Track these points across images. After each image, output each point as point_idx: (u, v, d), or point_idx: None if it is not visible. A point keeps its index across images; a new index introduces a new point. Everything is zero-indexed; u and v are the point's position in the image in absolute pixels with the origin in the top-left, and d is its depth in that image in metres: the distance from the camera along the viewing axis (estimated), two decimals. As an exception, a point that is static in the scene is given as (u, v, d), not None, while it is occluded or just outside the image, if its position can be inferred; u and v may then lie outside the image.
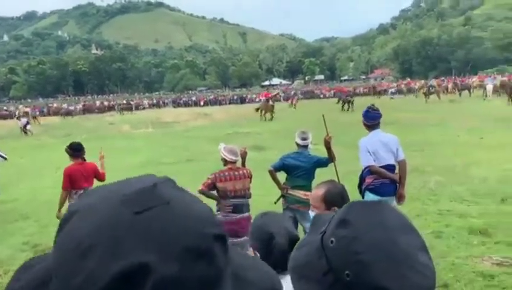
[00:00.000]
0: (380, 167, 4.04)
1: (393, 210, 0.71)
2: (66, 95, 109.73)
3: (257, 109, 25.48)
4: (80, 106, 51.20)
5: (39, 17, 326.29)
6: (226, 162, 4.17)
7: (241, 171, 4.13)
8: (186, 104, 53.07)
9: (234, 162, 4.15)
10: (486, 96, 28.05)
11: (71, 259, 0.39)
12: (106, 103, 54.97)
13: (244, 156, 4.39)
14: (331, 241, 0.67)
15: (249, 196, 4.19)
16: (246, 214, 4.09)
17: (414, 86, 42.41)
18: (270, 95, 27.31)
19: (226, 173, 4.07)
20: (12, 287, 0.48)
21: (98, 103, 57.68)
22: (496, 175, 7.43)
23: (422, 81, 45.29)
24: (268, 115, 24.19)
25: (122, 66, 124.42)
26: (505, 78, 33.02)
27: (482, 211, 5.51)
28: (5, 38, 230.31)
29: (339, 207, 2.12)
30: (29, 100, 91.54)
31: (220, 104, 52.12)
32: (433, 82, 36.45)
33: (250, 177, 4.19)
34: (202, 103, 52.62)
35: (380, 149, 4.07)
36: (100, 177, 5.24)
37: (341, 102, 28.09)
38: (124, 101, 50.74)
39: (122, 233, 0.39)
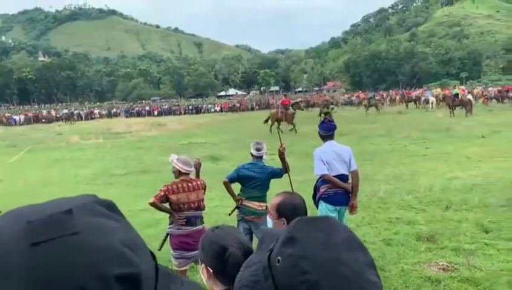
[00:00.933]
0: (334, 176, 4.12)
1: (341, 226, 0.70)
2: (10, 103, 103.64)
3: (266, 120, 21.03)
4: (21, 116, 48.39)
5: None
6: (179, 173, 4.05)
7: (194, 183, 4.02)
8: (139, 114, 51.84)
9: (188, 174, 4.05)
10: (427, 108, 29.83)
11: None
12: (53, 112, 52.56)
13: (198, 167, 4.30)
14: (278, 261, 0.65)
15: (203, 208, 4.10)
16: (200, 227, 3.99)
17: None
18: (289, 102, 23.34)
19: (179, 185, 3.95)
20: None
21: (45, 112, 55.02)
22: (441, 183, 7.81)
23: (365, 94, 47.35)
24: (285, 126, 20.02)
25: (72, 74, 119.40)
26: (446, 92, 35.11)
27: (428, 218, 5.76)
28: None
29: (288, 219, 2.15)
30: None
31: (175, 114, 51.39)
32: (372, 95, 38.42)
33: (204, 188, 4.09)
34: (156, 113, 51.64)
35: (334, 159, 4.15)
36: None
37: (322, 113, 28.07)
38: (66, 111, 48.66)
39: (11, 268, 0.36)
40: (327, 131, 4.33)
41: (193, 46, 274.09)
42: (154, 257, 0.45)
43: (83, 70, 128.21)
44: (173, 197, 3.91)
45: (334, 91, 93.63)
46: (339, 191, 4.13)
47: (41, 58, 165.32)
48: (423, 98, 33.07)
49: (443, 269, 4.14)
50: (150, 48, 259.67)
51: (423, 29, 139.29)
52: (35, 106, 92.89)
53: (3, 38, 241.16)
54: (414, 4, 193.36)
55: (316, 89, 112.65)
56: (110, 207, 0.45)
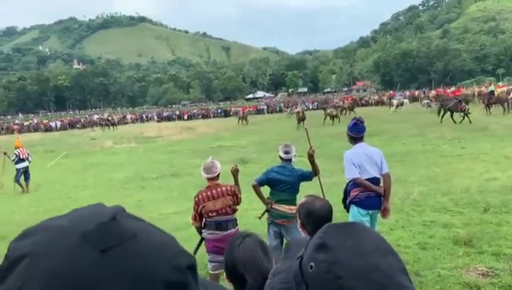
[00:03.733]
0: (366, 180, 4.03)
1: (370, 232, 0.70)
2: (48, 110, 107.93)
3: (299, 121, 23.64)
4: (58, 122, 50.23)
5: (19, 32, 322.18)
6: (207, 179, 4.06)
7: (219, 189, 3.97)
8: (170, 118, 52.76)
9: (212, 179, 4.01)
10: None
11: None
12: (88, 118, 54.27)
13: (235, 173, 4.28)
14: (311, 267, 0.65)
15: (233, 213, 4.06)
16: (232, 231, 3.97)
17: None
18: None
19: (204, 194, 3.96)
20: None
21: (82, 118, 56.88)
22: (478, 185, 7.52)
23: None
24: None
25: (104, 80, 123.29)
26: (482, 89, 33.77)
27: (466, 221, 5.54)
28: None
29: (303, 222, 2.13)
30: (9, 117, 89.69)
31: (204, 117, 51.98)
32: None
33: (232, 194, 4.02)
34: (186, 117, 52.41)
35: (365, 162, 4.06)
36: None
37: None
38: (106, 115, 49.86)
39: (92, 277, 0.36)
40: (358, 133, 4.23)
41: (221, 50, 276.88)
42: (191, 255, 0.47)
43: (115, 77, 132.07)
44: (200, 207, 3.94)
45: (364, 91, 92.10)
46: (371, 194, 4.03)
47: (76, 66, 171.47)
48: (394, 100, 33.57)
49: (483, 275, 3.96)
50: (179, 53, 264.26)
51: (456, 25, 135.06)
52: (70, 112, 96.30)
53: (40, 47, 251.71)
54: (446, 0, 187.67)
55: (346, 89, 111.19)
56: (126, 212, 0.46)
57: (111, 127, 37.35)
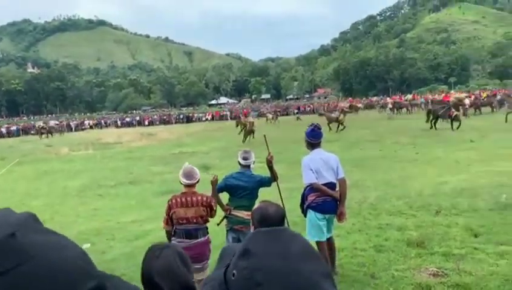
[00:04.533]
0: (322, 185, 4.10)
1: (297, 237, 0.69)
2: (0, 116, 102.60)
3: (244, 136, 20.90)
4: (14, 128, 47.95)
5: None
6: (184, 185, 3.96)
7: (194, 198, 3.85)
8: (130, 124, 51.61)
9: (190, 186, 3.90)
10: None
11: None
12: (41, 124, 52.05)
13: (214, 184, 4.22)
14: (233, 274, 0.65)
15: (204, 223, 3.93)
16: (202, 239, 3.86)
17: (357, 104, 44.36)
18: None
19: (178, 199, 3.85)
20: None
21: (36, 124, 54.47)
22: (430, 188, 7.84)
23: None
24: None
25: (61, 85, 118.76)
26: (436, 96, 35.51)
27: (418, 224, 5.75)
28: None
29: (256, 228, 2.12)
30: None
31: (166, 123, 51.24)
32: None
33: (207, 206, 3.89)
34: (147, 123, 51.45)
35: (322, 167, 4.13)
36: None
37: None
38: (41, 123, 43.97)
39: None
40: (316, 139, 4.31)
41: (183, 56, 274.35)
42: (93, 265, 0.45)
43: (73, 81, 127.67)
44: (171, 213, 3.84)
45: (325, 98, 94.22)
46: (328, 199, 4.11)
47: (30, 70, 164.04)
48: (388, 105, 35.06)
49: (433, 275, 4.12)
50: (140, 57, 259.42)
51: (412, 35, 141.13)
52: (24, 118, 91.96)
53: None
54: (402, 11, 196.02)
55: (307, 96, 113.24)
56: (38, 220, 0.42)
57: (47, 135, 35.20)
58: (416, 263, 4.47)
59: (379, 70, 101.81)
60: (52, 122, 52.42)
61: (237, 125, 21.10)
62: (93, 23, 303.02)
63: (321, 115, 27.24)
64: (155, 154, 18.28)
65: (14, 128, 48.33)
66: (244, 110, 26.76)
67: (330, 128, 21.93)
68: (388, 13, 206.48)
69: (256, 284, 0.61)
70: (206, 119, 53.40)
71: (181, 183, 3.93)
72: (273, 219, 2.12)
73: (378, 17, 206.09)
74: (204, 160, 14.42)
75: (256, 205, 2.29)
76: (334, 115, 23.58)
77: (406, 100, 38.65)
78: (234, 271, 0.65)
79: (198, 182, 3.96)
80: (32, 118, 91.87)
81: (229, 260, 0.71)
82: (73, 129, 48.46)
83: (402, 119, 27.48)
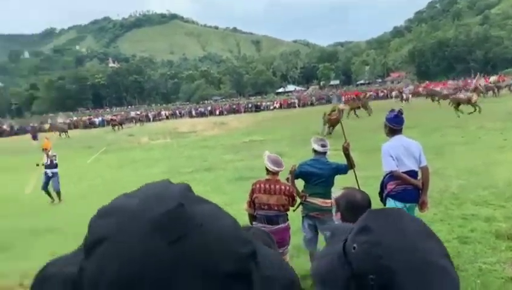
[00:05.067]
0: (403, 172, 3.97)
1: (412, 217, 0.72)
2: (86, 108, 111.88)
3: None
4: (99, 119, 52.16)
5: (58, 33, 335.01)
6: (267, 171, 4.05)
7: (277, 186, 3.95)
8: (202, 114, 53.51)
9: (276, 173, 4.00)
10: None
11: None
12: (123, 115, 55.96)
13: (292, 173, 4.30)
14: (354, 248, 0.69)
15: (285, 211, 4.02)
16: (283, 225, 3.96)
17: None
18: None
19: (262, 185, 3.97)
20: None
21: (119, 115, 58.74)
22: (521, 177, 7.22)
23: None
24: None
25: (139, 78, 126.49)
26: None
27: (508, 215, 5.35)
28: (26, 55, 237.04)
29: (344, 214, 2.13)
30: (50, 115, 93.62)
31: (235, 112, 52.37)
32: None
33: (289, 195, 3.97)
34: (218, 112, 52.99)
35: (403, 155, 3.99)
36: None
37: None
38: (111, 116, 48.34)
39: (162, 268, 0.38)
40: (398, 124, 4.16)
41: (251, 45, 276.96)
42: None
43: (149, 74, 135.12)
44: (254, 195, 3.98)
45: (399, 82, 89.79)
46: (409, 187, 3.97)
47: (111, 65, 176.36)
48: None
49: (527, 270, 3.84)
50: (210, 49, 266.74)
51: (497, 11, 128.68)
52: (107, 110, 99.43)
53: (77, 47, 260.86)
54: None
55: (379, 80, 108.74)
56: (192, 190, 0.47)
57: (118, 127, 36.67)
58: (507, 256, 4.19)
59: (459, 50, 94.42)
60: (133, 113, 56.20)
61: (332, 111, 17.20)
62: (165, 18, 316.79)
63: (450, 99, 22.58)
64: (227, 142, 18.83)
65: (99, 119, 52.46)
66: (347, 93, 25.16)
67: (459, 113, 19.09)
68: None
69: (378, 257, 0.64)
70: (274, 108, 53.63)
71: (268, 170, 4.01)
72: (362, 204, 2.13)
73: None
74: (274, 148, 14.58)
75: (339, 192, 2.28)
76: (463, 96, 20.61)
77: (491, 82, 35.52)
78: (354, 245, 0.68)
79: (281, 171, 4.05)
80: (114, 109, 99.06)
81: (342, 237, 0.74)
82: (151, 119, 51.40)
83: (487, 103, 25.37)
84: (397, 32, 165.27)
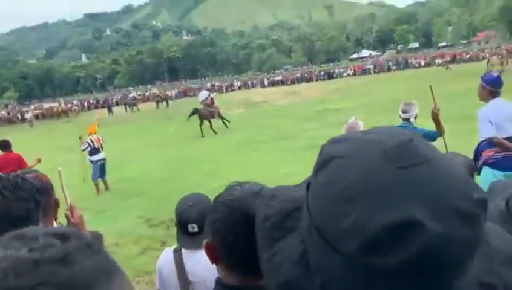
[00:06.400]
0: (504, 139, 3.66)
1: None
2: (163, 81, 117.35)
3: None
4: (174, 92, 54.61)
5: (135, 9, 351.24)
6: None
7: None
8: (274, 84, 53.45)
9: None
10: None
11: (336, 204, 0.41)
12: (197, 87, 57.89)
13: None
14: None
15: None
16: None
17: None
18: None
19: None
20: (262, 213, 0.52)
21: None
22: None
23: None
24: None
25: (212, 50, 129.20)
26: None
27: None
28: (108, 32, 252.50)
29: None
30: (131, 88, 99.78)
31: (307, 81, 51.56)
32: None
33: None
34: (289, 82, 52.57)
35: (503, 119, 3.66)
36: (24, 166, 6.15)
37: None
38: (156, 91, 47.80)
39: (389, 186, 0.39)
40: (497, 86, 3.81)
41: (323, 9, 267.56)
42: None
43: (221, 46, 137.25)
44: None
45: (487, 43, 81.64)
46: (510, 154, 3.65)
47: (185, 38, 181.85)
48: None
49: None
50: (281, 16, 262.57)
51: None
52: (183, 82, 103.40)
53: (153, 22, 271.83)
54: None
55: (464, 42, 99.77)
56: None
57: (163, 103, 36.49)
58: None
59: None
60: (208, 84, 58.03)
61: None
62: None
63: None
64: (300, 111, 18.71)
65: (175, 91, 54.82)
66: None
67: None
68: None
69: None
70: (348, 75, 51.88)
71: None
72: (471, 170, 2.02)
73: None
74: (350, 116, 14.18)
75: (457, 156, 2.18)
76: None
77: None
78: None
79: None
80: (189, 81, 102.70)
81: (501, 194, 0.76)
82: (224, 90, 52.52)
83: None
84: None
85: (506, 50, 28.13)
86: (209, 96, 17.25)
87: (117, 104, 45.18)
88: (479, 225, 0.40)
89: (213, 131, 15.28)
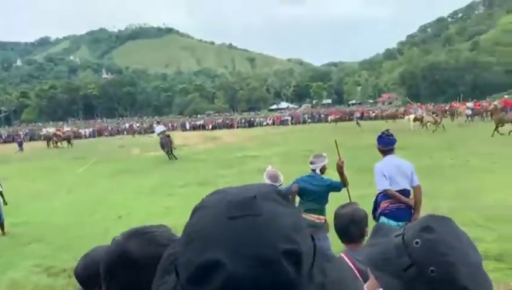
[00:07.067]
0: (396, 191, 4.07)
1: (459, 227, 0.85)
2: (77, 118, 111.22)
3: None
4: (88, 130, 51.88)
5: (52, 42, 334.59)
6: None
7: None
8: (195, 128, 53.52)
9: None
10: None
11: (183, 244, 0.50)
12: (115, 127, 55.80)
13: (293, 194, 4.38)
14: (416, 242, 0.80)
15: None
16: None
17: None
18: None
19: None
20: (168, 251, 0.61)
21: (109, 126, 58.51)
22: (509, 200, 7.37)
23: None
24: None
25: (132, 90, 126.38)
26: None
27: (497, 237, 5.46)
28: (19, 63, 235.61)
29: (340, 230, 2.23)
30: (39, 124, 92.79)
31: (229, 127, 52.49)
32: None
33: None
34: (211, 127, 53.05)
35: (395, 174, 4.10)
36: None
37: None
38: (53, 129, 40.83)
39: (214, 233, 0.47)
40: (386, 145, 4.29)
41: (246, 61, 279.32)
42: (313, 238, 0.53)
43: (142, 87, 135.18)
44: None
45: (390, 103, 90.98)
46: (402, 206, 4.06)
47: (104, 76, 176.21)
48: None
49: (515, 291, 3.92)
50: (205, 63, 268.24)
51: (487, 37, 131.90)
52: (98, 120, 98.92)
53: (71, 57, 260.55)
54: (476, 12, 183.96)
55: (371, 101, 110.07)
56: (282, 195, 0.55)
57: (60, 143, 32.89)
58: (494, 277, 4.26)
59: (449, 75, 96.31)
60: (127, 125, 56.13)
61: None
62: (162, 31, 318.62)
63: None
64: (219, 157, 18.85)
65: (89, 130, 52.21)
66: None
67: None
68: (460, 15, 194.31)
69: (442, 254, 0.76)
70: (267, 124, 53.91)
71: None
72: (358, 220, 2.21)
73: (449, 19, 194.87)
74: (267, 164, 14.63)
75: (344, 207, 2.38)
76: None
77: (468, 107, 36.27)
78: (417, 240, 0.80)
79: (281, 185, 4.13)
80: (105, 120, 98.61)
81: (389, 233, 0.88)
82: (143, 132, 51.23)
83: (474, 127, 25.83)
84: (389, 55, 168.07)
85: (439, 110, 32.21)
86: (165, 130, 20.68)
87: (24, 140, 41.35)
88: (283, 273, 0.45)
89: (174, 157, 18.95)
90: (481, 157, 13.12)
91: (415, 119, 27.62)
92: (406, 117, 31.15)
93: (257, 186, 0.56)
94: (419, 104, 41.17)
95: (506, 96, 41.87)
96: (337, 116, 49.42)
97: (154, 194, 11.10)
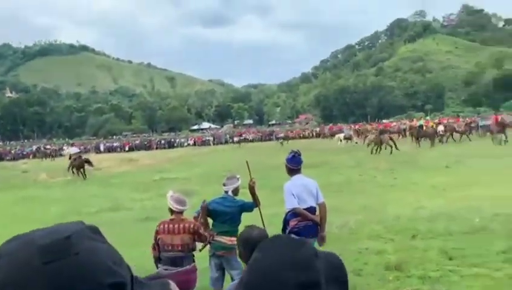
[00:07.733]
0: (304, 209, 4.24)
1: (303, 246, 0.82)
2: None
3: None
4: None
5: None
6: (171, 211, 3.98)
7: (182, 225, 3.89)
8: (110, 150, 51.00)
9: (179, 213, 3.95)
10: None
11: None
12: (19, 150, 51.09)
13: (204, 209, 4.30)
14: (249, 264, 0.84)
15: (190, 250, 3.96)
16: (188, 267, 3.90)
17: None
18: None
19: (166, 225, 3.90)
20: None
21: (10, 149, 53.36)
22: (408, 213, 8.06)
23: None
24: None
25: (40, 110, 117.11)
26: (412, 123, 36.26)
27: (397, 247, 5.91)
28: None
29: (242, 251, 2.26)
30: None
31: (147, 149, 50.87)
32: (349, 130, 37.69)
33: (193, 233, 3.92)
34: (127, 148, 50.97)
35: (303, 192, 4.28)
36: None
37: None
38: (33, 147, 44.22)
39: (30, 279, 0.45)
40: (296, 165, 4.47)
41: (165, 81, 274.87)
42: (129, 269, 0.55)
43: (52, 106, 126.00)
44: (158, 236, 3.89)
45: (306, 124, 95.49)
46: (309, 223, 4.24)
47: (8, 94, 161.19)
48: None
49: (411, 298, 4.25)
50: (122, 82, 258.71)
51: (389, 64, 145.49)
52: (0, 143, 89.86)
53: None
54: (380, 41, 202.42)
55: (289, 121, 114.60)
56: (96, 231, 0.56)
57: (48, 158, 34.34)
58: (394, 286, 4.60)
59: (358, 97, 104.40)
60: (34, 147, 51.60)
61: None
62: (75, 48, 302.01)
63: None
64: (135, 180, 18.13)
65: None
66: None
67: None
68: (366, 43, 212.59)
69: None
70: (188, 145, 53.27)
71: (171, 209, 3.97)
72: (256, 241, 2.23)
73: (357, 47, 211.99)
74: (185, 186, 14.38)
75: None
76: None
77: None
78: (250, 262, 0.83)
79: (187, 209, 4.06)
80: (7, 143, 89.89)
81: None
82: (52, 156, 47.51)
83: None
84: (305, 78, 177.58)
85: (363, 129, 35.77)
86: (79, 152, 24.04)
87: None
88: None
89: (84, 175, 20.69)
90: (384, 174, 14.25)
91: (344, 138, 31.14)
92: (336, 136, 34.35)
93: (66, 226, 0.55)
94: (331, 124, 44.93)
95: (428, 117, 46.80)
96: (241, 138, 52.70)
97: (61, 222, 10.25)
